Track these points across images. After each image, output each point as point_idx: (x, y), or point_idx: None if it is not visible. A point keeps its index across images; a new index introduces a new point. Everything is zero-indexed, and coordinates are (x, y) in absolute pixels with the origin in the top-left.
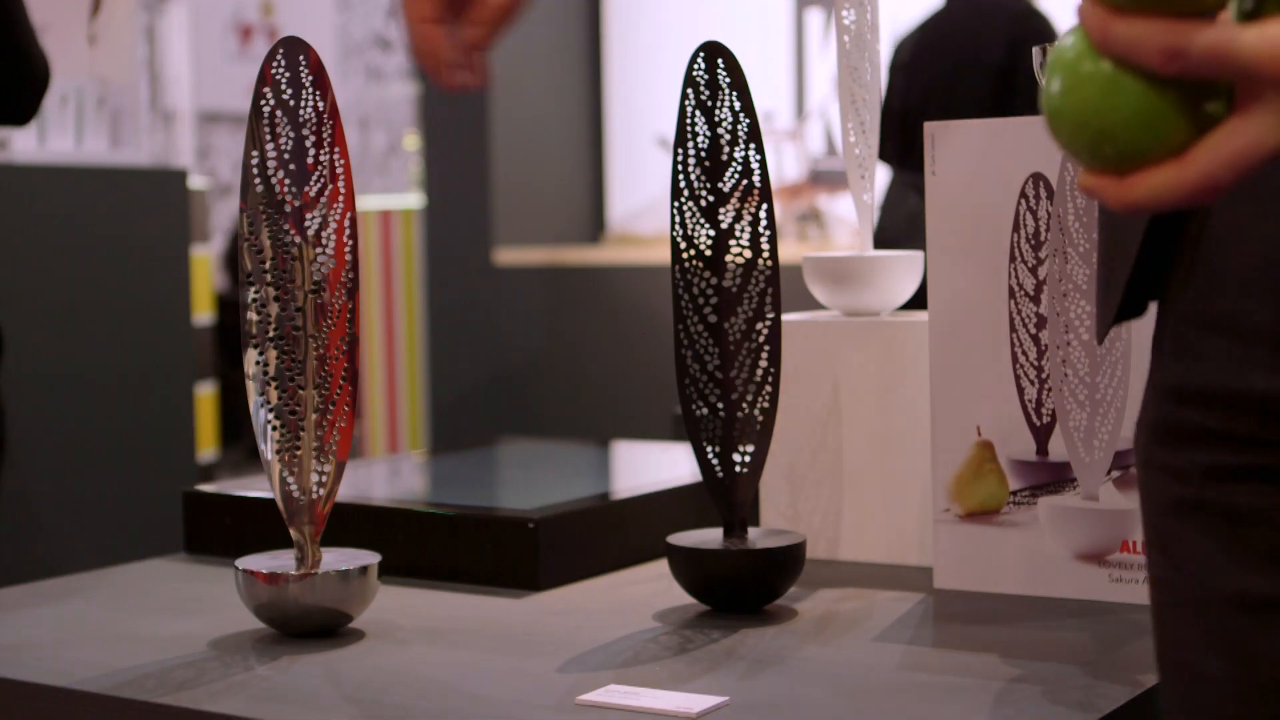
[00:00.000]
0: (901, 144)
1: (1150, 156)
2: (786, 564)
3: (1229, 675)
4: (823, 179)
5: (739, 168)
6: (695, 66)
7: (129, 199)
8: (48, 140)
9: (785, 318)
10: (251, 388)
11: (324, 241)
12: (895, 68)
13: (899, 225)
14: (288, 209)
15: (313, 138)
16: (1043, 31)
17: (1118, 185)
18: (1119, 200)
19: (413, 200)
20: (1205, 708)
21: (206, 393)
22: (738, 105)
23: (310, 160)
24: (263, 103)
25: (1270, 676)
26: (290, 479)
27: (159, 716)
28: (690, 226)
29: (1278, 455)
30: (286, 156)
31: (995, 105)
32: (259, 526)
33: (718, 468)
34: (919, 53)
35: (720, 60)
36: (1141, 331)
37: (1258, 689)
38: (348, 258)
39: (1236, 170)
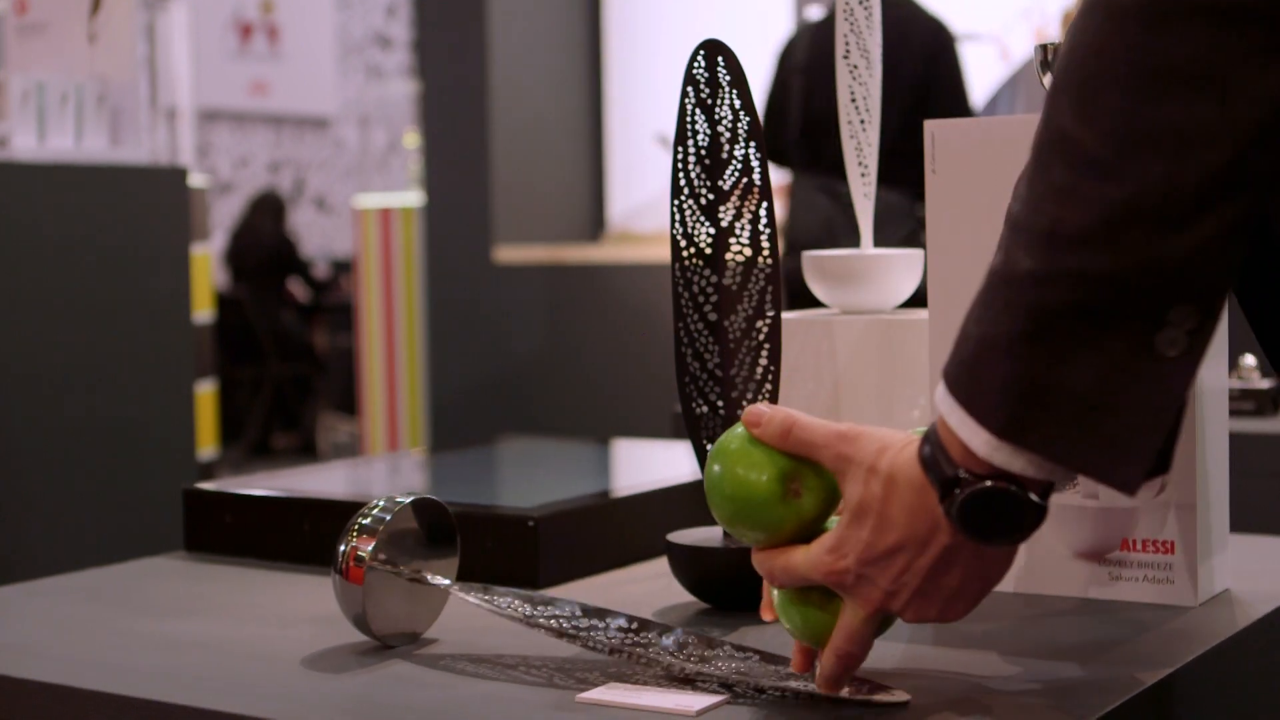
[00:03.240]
0: (808, 147)
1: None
2: None
3: None
4: None
5: (739, 166)
6: (695, 64)
7: (129, 197)
8: (47, 138)
9: (785, 316)
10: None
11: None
12: (791, 69)
13: (813, 229)
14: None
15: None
16: (952, 46)
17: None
18: None
19: (413, 198)
20: None
21: (206, 390)
22: (738, 103)
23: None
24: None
25: None
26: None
27: (159, 714)
28: (690, 224)
29: None
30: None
31: (912, 116)
32: (259, 525)
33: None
34: (820, 56)
35: (720, 58)
36: None
37: None
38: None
39: (862, 641)
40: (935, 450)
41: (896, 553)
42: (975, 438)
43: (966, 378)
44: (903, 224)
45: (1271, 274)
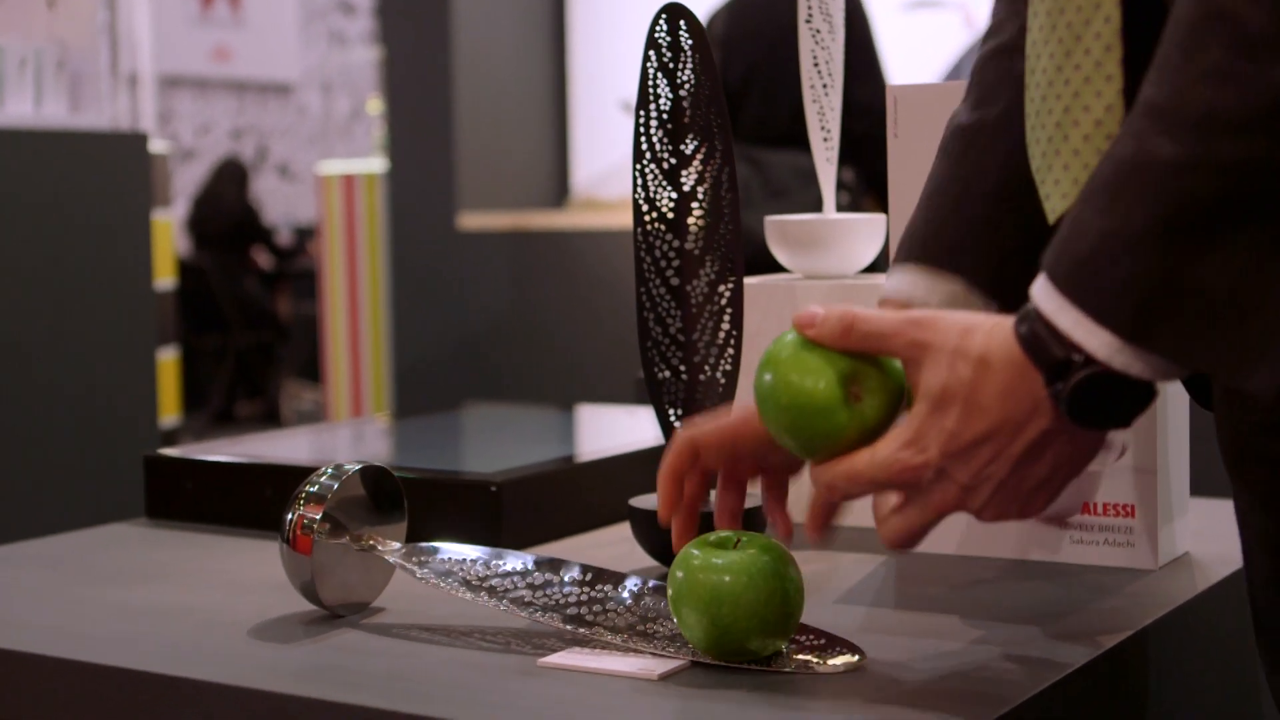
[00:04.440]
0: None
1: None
2: (747, 527)
3: None
4: None
5: (701, 130)
6: (657, 28)
7: (89, 163)
8: (6, 104)
9: (747, 280)
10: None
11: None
12: (711, 42)
13: None
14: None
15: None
16: (857, 11)
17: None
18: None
19: (376, 165)
20: None
21: (169, 358)
22: (700, 67)
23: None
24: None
25: None
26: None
27: (114, 680)
28: (652, 189)
29: None
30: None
31: None
32: (221, 491)
33: (680, 431)
34: (736, 29)
35: (682, 22)
36: None
37: None
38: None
39: (919, 539)
40: (1040, 330)
41: (985, 441)
42: (1093, 339)
43: (1084, 274)
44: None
45: None
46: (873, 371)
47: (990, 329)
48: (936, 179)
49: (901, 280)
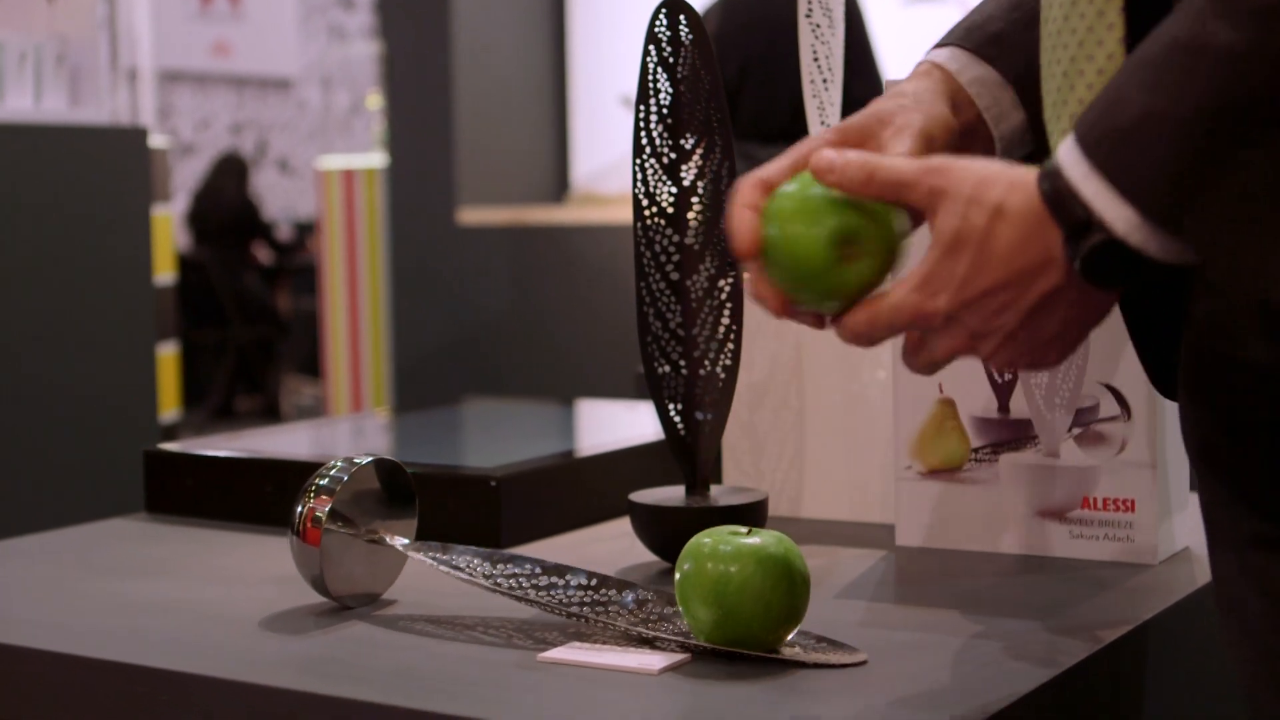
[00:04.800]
0: None
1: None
2: (748, 521)
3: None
4: None
5: (701, 125)
6: (657, 23)
7: (89, 158)
8: (5, 99)
9: (747, 275)
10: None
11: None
12: None
13: None
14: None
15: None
16: (853, 8)
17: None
18: None
19: (376, 160)
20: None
21: (168, 353)
22: (699, 62)
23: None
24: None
25: None
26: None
27: (118, 675)
28: (652, 183)
29: None
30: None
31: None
32: (220, 486)
33: (680, 426)
34: (729, 25)
35: (682, 17)
36: None
37: None
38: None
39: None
40: (1062, 189)
41: (995, 293)
42: (1113, 211)
43: (1119, 148)
44: None
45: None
46: (866, 226)
47: (1010, 182)
48: None
49: (941, 53)
